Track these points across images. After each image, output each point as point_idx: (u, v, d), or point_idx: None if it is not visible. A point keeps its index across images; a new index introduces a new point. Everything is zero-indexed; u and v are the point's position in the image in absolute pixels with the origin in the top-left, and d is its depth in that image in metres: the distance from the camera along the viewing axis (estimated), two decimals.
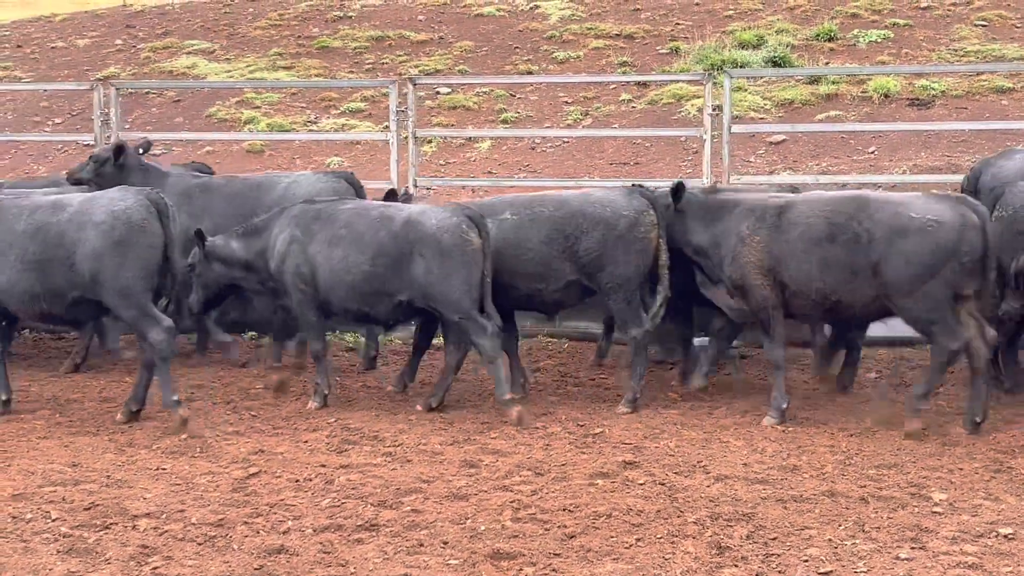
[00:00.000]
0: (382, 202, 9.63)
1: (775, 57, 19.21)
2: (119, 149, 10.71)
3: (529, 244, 8.92)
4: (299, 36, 23.56)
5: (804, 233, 8.29)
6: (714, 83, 12.49)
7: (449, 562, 5.78)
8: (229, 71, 21.64)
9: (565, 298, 9.20)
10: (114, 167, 10.62)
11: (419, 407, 8.77)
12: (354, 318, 9.24)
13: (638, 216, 8.87)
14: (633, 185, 9.44)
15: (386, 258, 8.68)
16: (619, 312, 8.98)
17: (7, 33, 25.53)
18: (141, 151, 11.01)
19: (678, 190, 8.97)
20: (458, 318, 8.59)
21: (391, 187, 11.18)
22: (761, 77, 18.80)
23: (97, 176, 10.55)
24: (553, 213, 8.97)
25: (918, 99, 17.75)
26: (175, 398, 8.26)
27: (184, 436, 8.03)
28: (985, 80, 17.97)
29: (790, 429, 8.14)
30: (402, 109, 12.84)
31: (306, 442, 7.91)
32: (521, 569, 5.70)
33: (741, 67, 18.29)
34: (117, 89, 13.45)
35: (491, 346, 8.54)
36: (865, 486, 6.85)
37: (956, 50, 19.65)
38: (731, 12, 22.84)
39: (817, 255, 8.23)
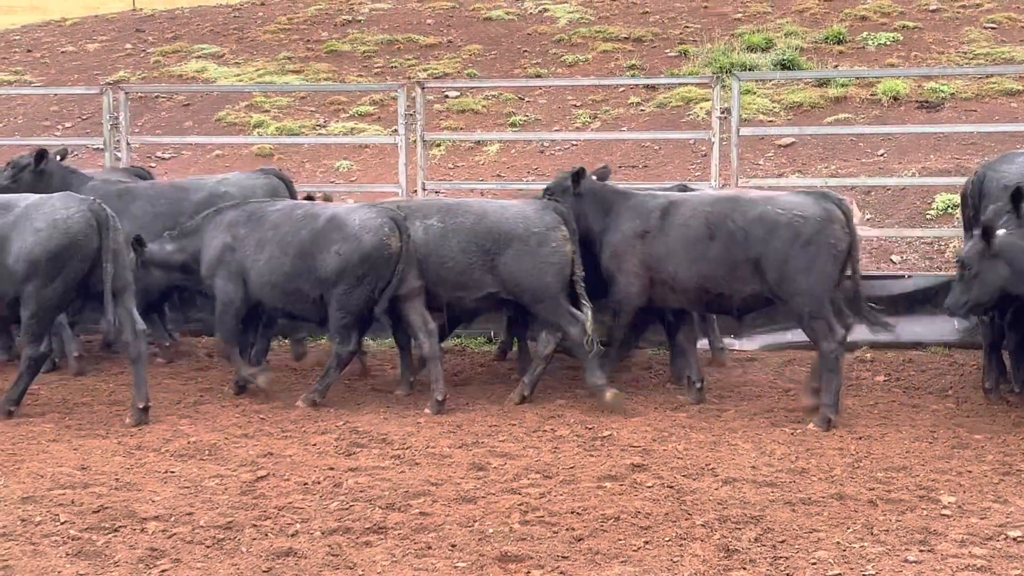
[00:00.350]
0: (310, 202, 9.87)
1: (784, 60, 19.17)
2: (40, 155, 10.68)
3: (451, 253, 9.12)
4: (308, 40, 23.58)
5: (684, 231, 8.74)
6: (723, 86, 12.48)
7: (457, 565, 5.79)
8: (238, 75, 21.67)
9: (483, 307, 9.47)
10: (33, 173, 10.59)
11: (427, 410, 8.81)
12: (283, 316, 9.66)
13: (549, 231, 9.07)
14: (547, 198, 9.54)
15: (308, 257, 8.94)
16: (544, 322, 9.16)
17: (17, 38, 25.59)
18: (59, 157, 11.00)
19: (579, 175, 9.35)
20: (343, 320, 8.93)
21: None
22: (770, 80, 18.77)
23: (14, 182, 10.49)
24: (474, 225, 9.17)
25: (927, 102, 17.70)
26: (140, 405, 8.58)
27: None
28: (994, 82, 17.92)
29: (798, 431, 8.13)
30: (411, 113, 12.85)
31: (314, 445, 7.92)
32: (529, 572, 5.71)
33: (750, 70, 18.27)
34: (127, 93, 13.48)
35: (428, 344, 8.94)
36: (874, 489, 6.84)
37: (965, 52, 19.60)
38: (740, 15, 22.81)
39: (697, 251, 8.67)
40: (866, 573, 5.62)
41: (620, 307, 9.15)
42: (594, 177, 9.67)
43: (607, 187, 9.53)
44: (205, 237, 9.37)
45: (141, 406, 8.56)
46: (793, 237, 8.37)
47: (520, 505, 6.58)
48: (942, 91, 17.88)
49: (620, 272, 9.01)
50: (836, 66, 19.49)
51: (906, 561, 5.76)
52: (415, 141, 12.74)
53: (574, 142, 17.58)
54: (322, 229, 8.97)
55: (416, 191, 12.54)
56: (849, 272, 8.57)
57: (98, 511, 6.54)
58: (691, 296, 8.86)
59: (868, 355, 10.35)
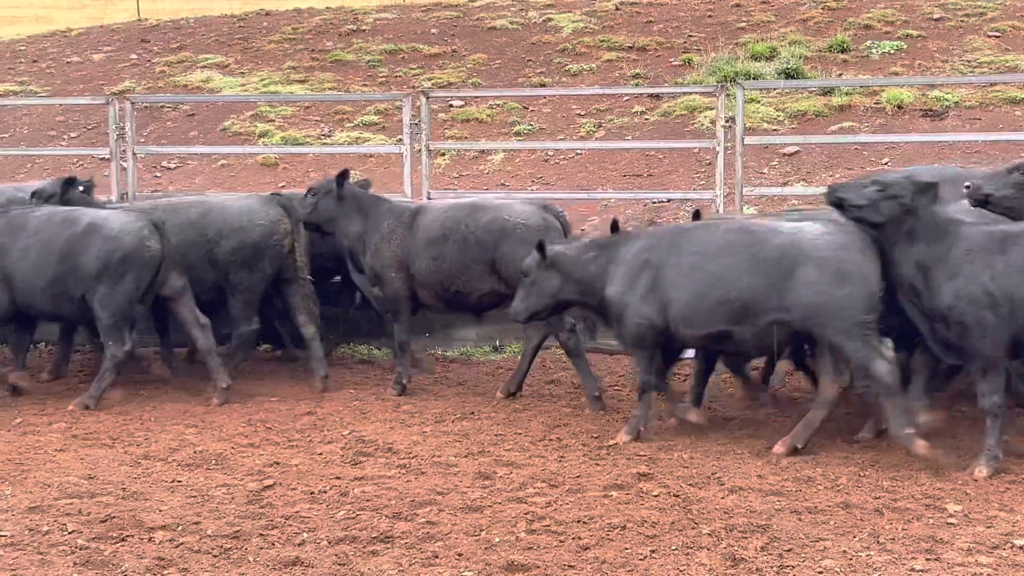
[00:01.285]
0: (76, 207, 9.99)
1: (788, 69, 19.17)
2: None
3: (181, 249, 9.68)
4: (313, 50, 23.61)
5: (427, 234, 9.67)
6: (727, 95, 12.49)
7: (464, 574, 5.79)
8: (243, 85, 21.69)
9: (213, 299, 10.03)
10: None
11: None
12: (50, 319, 10.03)
13: (273, 225, 9.97)
14: (272, 193, 10.56)
15: (70, 260, 9.23)
16: (234, 310, 10.00)
17: (23, 48, 25.63)
18: None
19: (342, 177, 10.11)
20: (108, 321, 9.25)
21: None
22: (774, 89, 18.76)
23: None
24: (198, 220, 9.94)
25: (931, 110, 17.71)
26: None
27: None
28: (999, 91, 17.91)
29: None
30: (415, 122, 12.87)
31: (320, 454, 7.93)
32: None
33: (754, 79, 18.27)
34: (132, 103, 13.51)
35: (203, 339, 9.50)
36: (880, 497, 6.84)
37: (969, 61, 19.60)
38: (744, 24, 22.82)
39: (436, 252, 9.59)
40: None
41: (391, 304, 9.94)
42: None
43: (366, 193, 10.31)
44: None
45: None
46: (520, 241, 9.21)
47: (526, 514, 6.59)
48: (946, 100, 17.89)
49: (383, 269, 9.85)
50: (840, 75, 19.49)
51: (912, 570, 5.76)
52: (420, 150, 12.76)
53: (578, 151, 17.59)
54: (83, 233, 9.25)
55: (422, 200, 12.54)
56: None
57: (105, 520, 6.55)
58: (436, 292, 9.74)
59: None
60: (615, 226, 8.76)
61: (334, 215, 10.08)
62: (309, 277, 10.21)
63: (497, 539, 6.23)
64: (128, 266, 9.21)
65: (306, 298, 10.16)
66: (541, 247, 8.58)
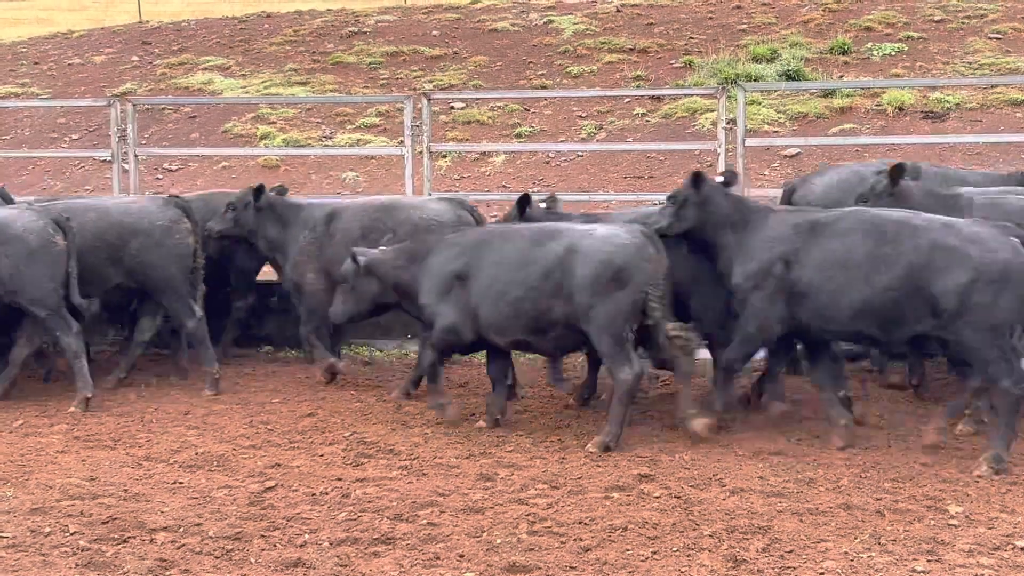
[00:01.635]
0: None
1: (789, 71, 19.22)
2: None
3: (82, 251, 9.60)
4: (314, 52, 23.65)
5: (345, 236, 9.80)
6: (728, 96, 12.51)
7: (465, 575, 5.80)
8: (245, 87, 21.74)
9: (116, 300, 10.12)
10: None
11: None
12: None
13: (172, 224, 9.98)
14: (169, 195, 10.63)
15: None
16: (171, 309, 10.01)
17: (24, 50, 25.68)
18: None
19: (258, 191, 10.22)
20: (45, 314, 9.27)
21: None
22: (775, 90, 18.80)
23: None
24: (97, 222, 9.86)
25: (932, 112, 17.74)
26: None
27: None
28: (999, 93, 17.94)
29: (805, 442, 8.14)
30: (417, 124, 12.89)
31: (322, 456, 7.93)
32: None
33: (755, 80, 18.31)
34: (134, 105, 13.53)
35: (75, 343, 9.30)
36: (881, 499, 6.84)
37: (970, 63, 19.63)
38: (745, 26, 22.85)
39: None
40: None
41: (311, 308, 10.01)
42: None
43: (283, 200, 10.46)
44: None
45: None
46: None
47: (528, 515, 6.59)
48: (947, 101, 17.92)
49: (302, 276, 10.03)
50: (841, 77, 19.52)
51: (914, 571, 5.76)
52: (421, 152, 12.78)
53: (580, 153, 17.62)
54: None
55: None
56: None
57: (107, 522, 6.56)
58: None
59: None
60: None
61: (254, 226, 10.25)
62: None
63: (499, 540, 6.23)
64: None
65: (200, 299, 10.20)
66: (354, 257, 8.89)
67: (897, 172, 8.83)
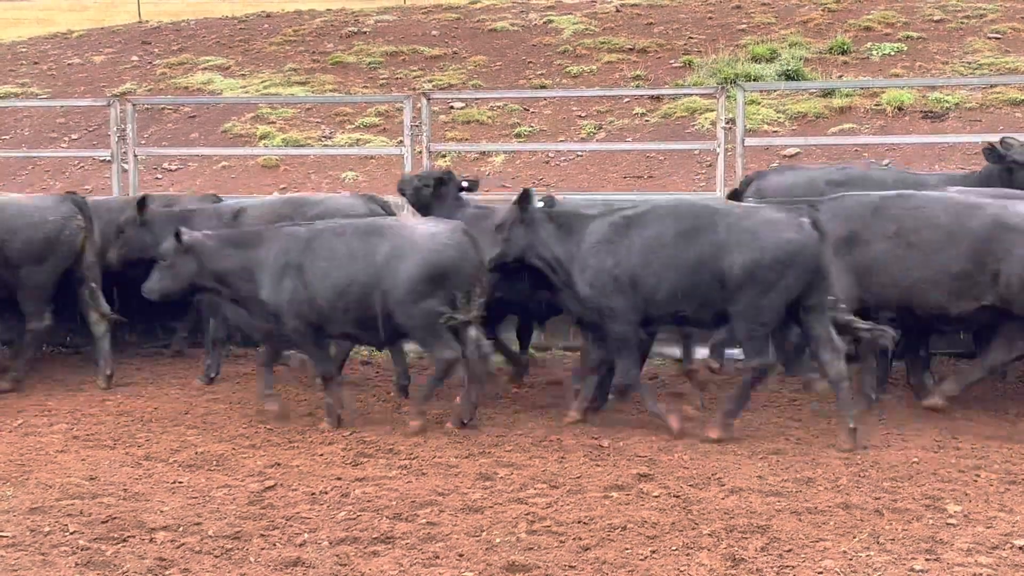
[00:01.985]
0: None
1: (788, 70, 19.21)
2: None
3: None
4: (314, 52, 23.64)
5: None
6: (728, 96, 12.52)
7: (465, 574, 5.81)
8: (244, 87, 21.73)
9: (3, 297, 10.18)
10: None
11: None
12: None
13: (65, 221, 10.04)
14: (66, 193, 10.70)
15: None
16: (26, 307, 10.06)
17: (24, 50, 25.67)
18: None
19: (142, 203, 10.28)
20: None
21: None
22: (774, 90, 18.80)
23: None
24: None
25: (932, 112, 17.73)
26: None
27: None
28: (999, 92, 17.93)
29: (804, 441, 8.15)
30: (416, 124, 12.90)
31: (321, 455, 7.94)
32: None
33: (754, 80, 18.30)
34: (133, 105, 13.54)
35: None
36: (880, 498, 6.85)
37: (970, 63, 19.62)
38: (744, 26, 22.84)
39: None
40: None
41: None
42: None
43: (172, 211, 10.43)
44: None
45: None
46: None
47: (527, 515, 6.60)
48: (946, 101, 17.91)
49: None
50: (840, 76, 19.51)
51: (912, 570, 5.77)
52: (421, 152, 12.78)
53: (579, 153, 17.62)
54: None
55: None
56: None
57: (107, 521, 6.57)
58: None
59: None
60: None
61: (148, 242, 10.01)
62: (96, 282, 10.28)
63: (498, 540, 6.24)
64: None
65: (96, 298, 10.23)
66: (178, 234, 8.84)
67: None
